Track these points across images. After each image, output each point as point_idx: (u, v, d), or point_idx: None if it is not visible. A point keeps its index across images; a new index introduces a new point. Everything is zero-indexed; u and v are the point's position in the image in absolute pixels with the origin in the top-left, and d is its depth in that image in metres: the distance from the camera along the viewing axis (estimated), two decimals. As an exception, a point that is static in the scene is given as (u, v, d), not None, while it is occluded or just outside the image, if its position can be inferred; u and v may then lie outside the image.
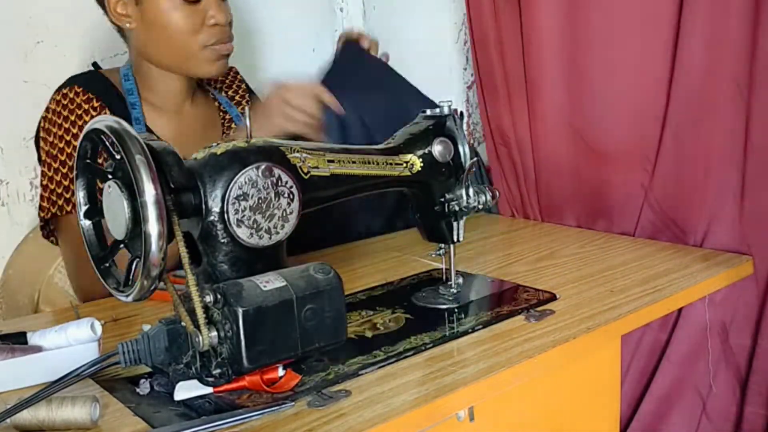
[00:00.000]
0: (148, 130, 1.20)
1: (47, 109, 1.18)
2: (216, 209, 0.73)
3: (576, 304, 0.96)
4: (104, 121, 0.71)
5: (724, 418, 1.18)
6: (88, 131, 0.72)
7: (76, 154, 0.75)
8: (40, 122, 1.20)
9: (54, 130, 1.16)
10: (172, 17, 1.14)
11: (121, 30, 1.21)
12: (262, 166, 0.75)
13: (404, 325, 0.92)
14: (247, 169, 0.74)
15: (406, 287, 1.08)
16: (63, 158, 1.15)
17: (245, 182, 0.74)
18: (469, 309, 0.97)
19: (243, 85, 1.42)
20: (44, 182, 1.16)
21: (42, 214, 1.17)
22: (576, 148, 1.36)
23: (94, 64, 1.31)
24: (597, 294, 0.99)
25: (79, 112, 1.15)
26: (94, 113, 1.16)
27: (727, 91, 1.09)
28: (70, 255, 1.18)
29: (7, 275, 1.36)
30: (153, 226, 0.66)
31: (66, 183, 1.15)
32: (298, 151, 0.81)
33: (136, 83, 1.22)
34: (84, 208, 0.76)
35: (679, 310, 1.20)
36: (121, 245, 0.73)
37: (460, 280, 1.02)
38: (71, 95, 1.16)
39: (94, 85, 1.19)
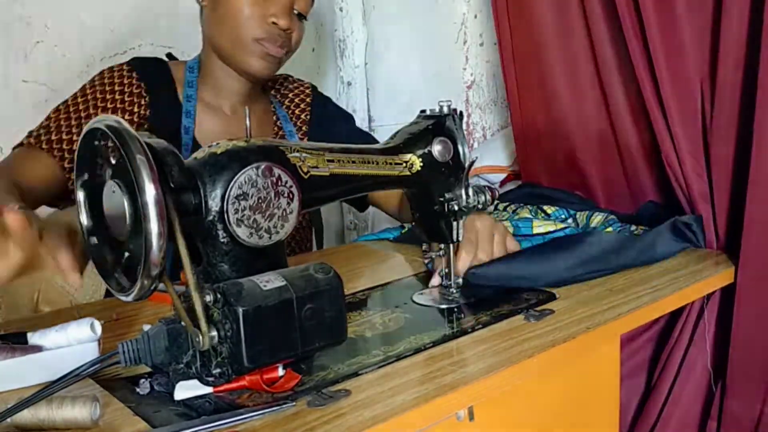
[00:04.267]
0: (194, 126, 1.24)
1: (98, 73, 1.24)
2: (216, 209, 0.73)
3: (576, 304, 0.96)
4: (104, 120, 0.71)
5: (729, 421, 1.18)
6: (89, 130, 0.72)
7: (90, 118, 0.77)
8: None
9: (85, 87, 1.21)
10: (237, 1, 1.17)
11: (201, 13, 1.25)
12: (262, 166, 0.75)
13: (404, 325, 0.92)
14: (247, 168, 0.74)
15: (406, 287, 1.08)
16: (67, 108, 1.20)
17: (245, 182, 0.74)
18: (469, 309, 0.97)
19: (308, 99, 1.41)
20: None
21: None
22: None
23: (169, 55, 1.34)
24: (596, 294, 1.00)
25: (113, 88, 1.20)
26: (128, 91, 1.20)
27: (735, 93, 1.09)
28: None
29: (6, 275, 1.36)
30: (153, 226, 0.66)
31: (46, 123, 1.20)
32: (297, 151, 0.81)
33: (197, 76, 1.25)
34: (84, 207, 0.76)
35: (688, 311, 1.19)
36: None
37: (460, 280, 1.02)
38: (117, 71, 1.22)
39: (147, 71, 1.23)
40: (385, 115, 1.94)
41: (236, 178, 0.73)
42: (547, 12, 1.36)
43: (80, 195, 0.76)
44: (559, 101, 1.40)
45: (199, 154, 0.77)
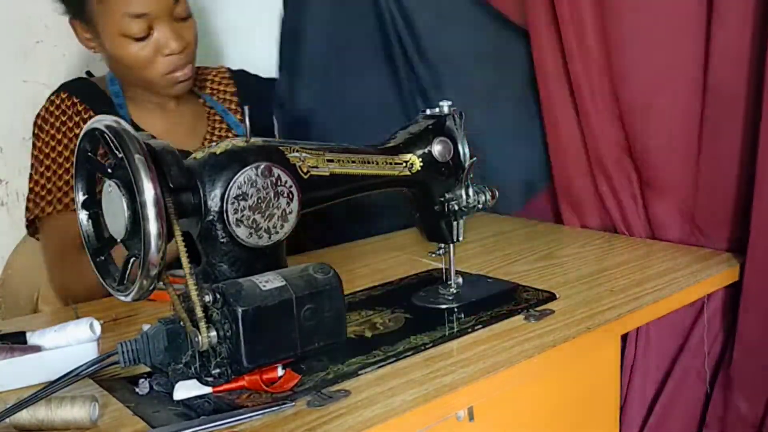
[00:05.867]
0: (136, 128, 1.21)
1: (38, 115, 1.22)
2: (215, 209, 0.73)
3: (576, 304, 0.96)
4: (103, 120, 0.71)
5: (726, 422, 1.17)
6: (88, 130, 0.72)
7: (73, 154, 0.76)
8: (33, 126, 1.23)
9: (41, 135, 1.20)
10: (125, 51, 1.16)
11: None
12: (262, 166, 0.75)
13: (404, 325, 0.92)
14: (247, 168, 0.74)
15: (406, 287, 1.08)
16: (48, 162, 1.19)
17: (244, 182, 0.74)
18: (469, 309, 0.97)
19: (227, 75, 1.42)
20: (30, 184, 1.20)
21: (27, 215, 1.21)
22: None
23: (88, 73, 1.34)
24: (597, 294, 0.99)
25: (64, 119, 1.19)
26: (77, 118, 1.19)
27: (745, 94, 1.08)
28: (51, 254, 1.21)
29: (6, 275, 1.36)
30: (152, 226, 0.66)
31: (49, 186, 1.18)
32: (297, 151, 0.81)
33: (120, 86, 1.25)
34: (82, 200, 0.76)
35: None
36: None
37: (460, 280, 1.01)
38: (58, 102, 1.20)
39: (81, 91, 1.23)
40: (386, 115, 1.93)
41: (236, 178, 0.73)
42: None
43: (79, 195, 0.76)
44: None
45: (198, 153, 0.77)
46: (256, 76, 1.47)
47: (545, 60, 1.31)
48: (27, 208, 1.20)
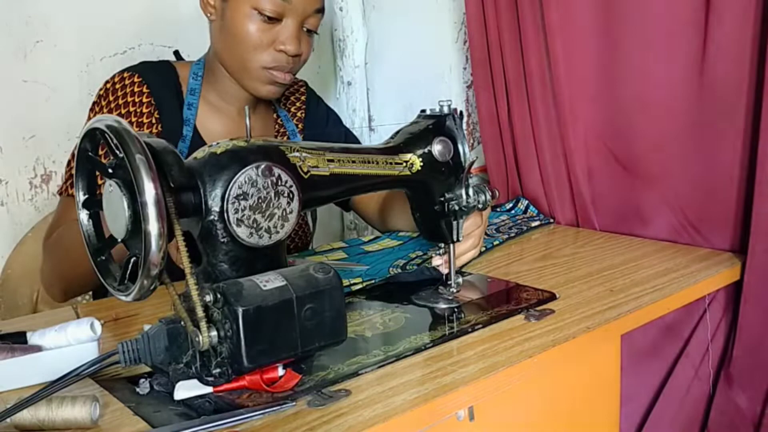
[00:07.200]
0: (196, 131, 1.21)
1: (104, 84, 1.21)
2: (216, 209, 0.73)
3: (576, 304, 0.96)
4: (104, 120, 0.71)
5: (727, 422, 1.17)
6: (89, 130, 0.72)
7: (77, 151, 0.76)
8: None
9: (96, 108, 1.19)
10: (245, 26, 1.13)
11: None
12: (262, 166, 0.75)
13: (404, 325, 0.92)
14: (247, 168, 0.74)
15: (406, 287, 1.08)
16: None
17: (245, 181, 0.74)
18: (469, 308, 0.97)
19: (303, 98, 1.40)
20: (70, 157, 1.19)
21: (58, 190, 1.21)
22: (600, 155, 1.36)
23: (176, 53, 1.32)
24: (597, 293, 0.99)
25: (126, 99, 1.18)
26: (137, 100, 1.18)
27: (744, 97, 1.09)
28: (48, 233, 1.18)
29: (6, 275, 1.37)
30: (153, 226, 0.66)
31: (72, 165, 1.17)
32: (297, 151, 0.81)
33: (202, 82, 1.23)
34: (82, 200, 0.76)
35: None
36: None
37: (460, 280, 1.02)
38: (126, 80, 1.19)
39: (154, 77, 1.21)
40: (385, 115, 1.93)
41: (236, 177, 0.73)
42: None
43: (80, 195, 0.76)
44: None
45: (198, 153, 0.77)
46: (325, 103, 1.45)
47: (530, 60, 1.33)
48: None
